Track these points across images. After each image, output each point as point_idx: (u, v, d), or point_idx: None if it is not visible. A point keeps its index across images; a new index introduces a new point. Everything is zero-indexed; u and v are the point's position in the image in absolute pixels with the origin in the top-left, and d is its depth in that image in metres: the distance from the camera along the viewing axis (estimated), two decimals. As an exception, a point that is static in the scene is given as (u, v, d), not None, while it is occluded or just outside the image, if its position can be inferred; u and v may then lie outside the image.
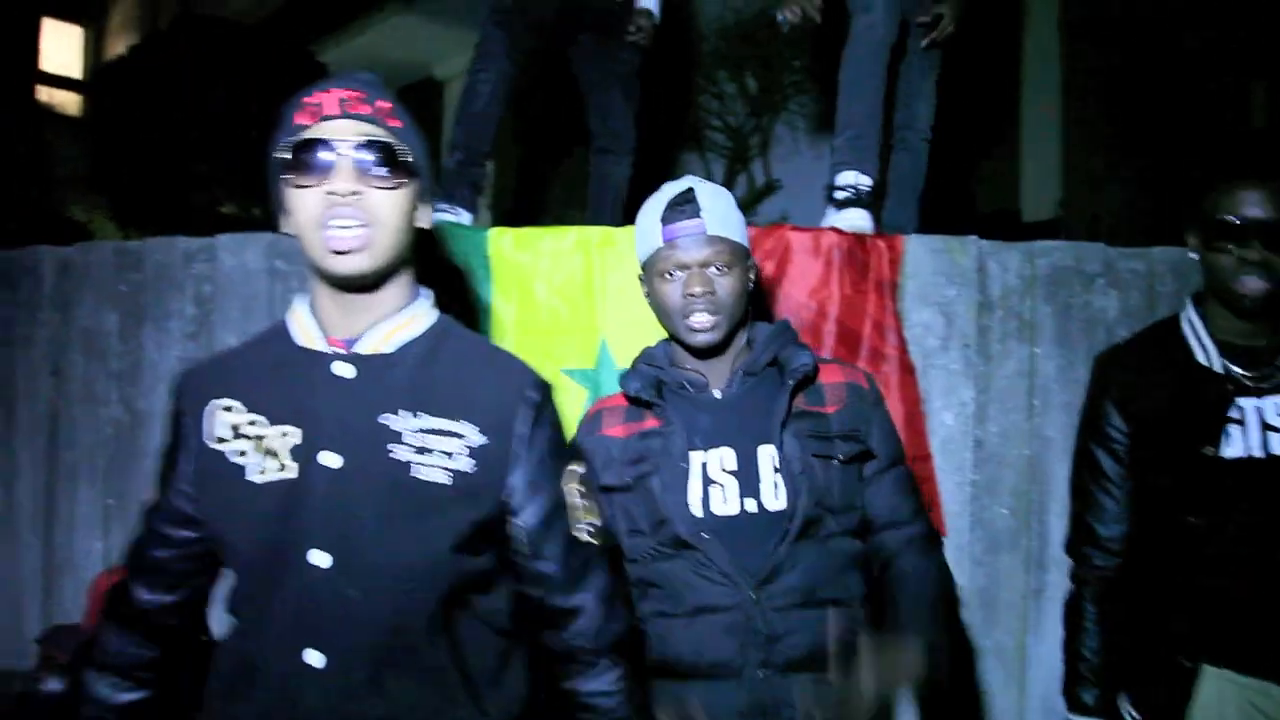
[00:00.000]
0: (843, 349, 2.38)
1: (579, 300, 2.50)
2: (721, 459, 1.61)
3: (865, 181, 2.73)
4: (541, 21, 3.07)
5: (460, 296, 2.55)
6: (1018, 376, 2.47)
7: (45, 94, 15.34)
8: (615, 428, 1.70)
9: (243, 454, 1.25)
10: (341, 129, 1.23)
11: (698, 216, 1.63)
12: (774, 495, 1.58)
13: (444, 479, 1.23)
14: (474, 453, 1.25)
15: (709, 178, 6.47)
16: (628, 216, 3.26)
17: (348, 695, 1.19)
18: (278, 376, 1.29)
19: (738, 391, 1.66)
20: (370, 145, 1.23)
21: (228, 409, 1.28)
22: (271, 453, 1.24)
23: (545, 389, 1.34)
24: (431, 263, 2.57)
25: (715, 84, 6.66)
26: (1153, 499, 1.78)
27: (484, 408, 1.28)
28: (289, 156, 1.23)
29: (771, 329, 1.74)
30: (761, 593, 1.55)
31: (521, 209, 6.40)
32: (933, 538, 1.74)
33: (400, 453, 1.23)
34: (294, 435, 1.24)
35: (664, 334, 1.75)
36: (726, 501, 1.59)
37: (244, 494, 1.23)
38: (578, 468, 1.38)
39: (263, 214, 7.16)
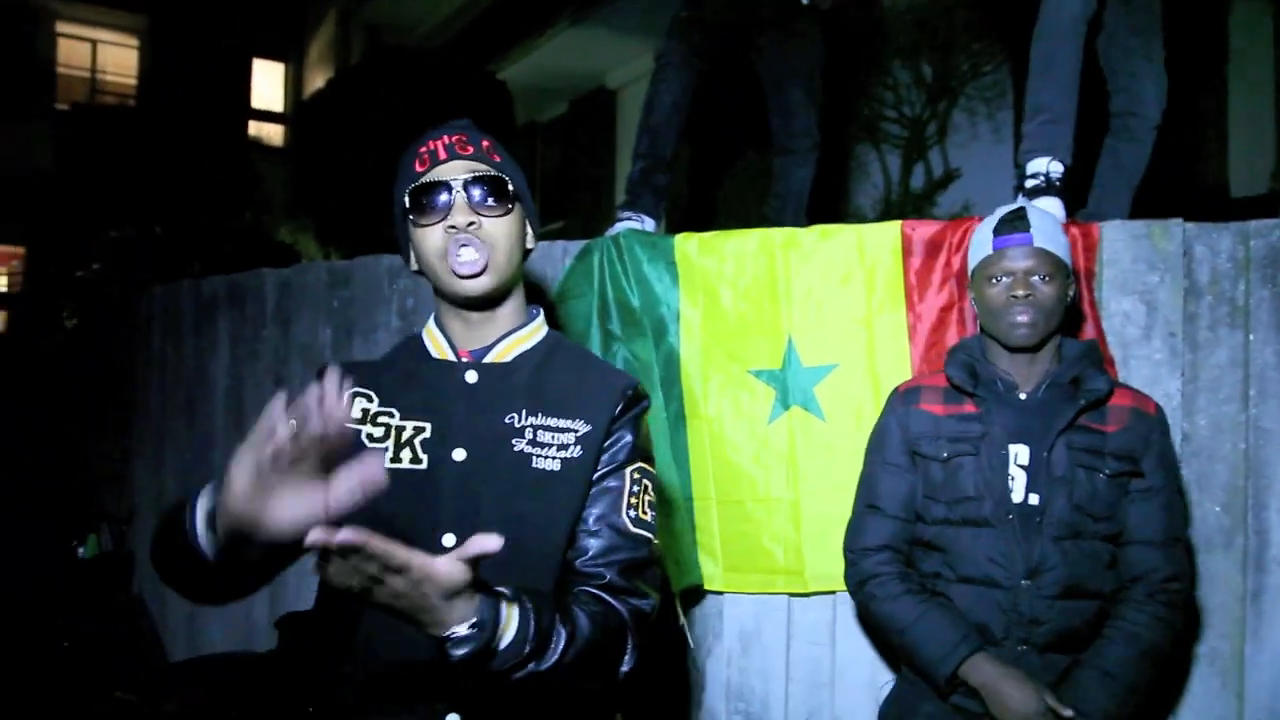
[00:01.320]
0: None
1: (764, 302, 2.52)
2: (1018, 454, 1.83)
3: (1058, 168, 2.61)
4: (719, 28, 3.12)
5: (648, 301, 2.62)
6: (1231, 366, 2.32)
7: (254, 127, 16.69)
8: (935, 405, 1.93)
9: (375, 439, 1.39)
10: (453, 169, 1.41)
11: (1027, 231, 1.87)
12: (1038, 493, 1.80)
13: (556, 466, 1.38)
14: (579, 440, 1.41)
15: (885, 170, 6.37)
16: (810, 216, 3.27)
17: None
18: (412, 382, 1.45)
19: (1042, 398, 1.87)
20: (479, 180, 1.40)
21: (366, 397, 1.43)
22: (406, 444, 1.38)
23: (642, 393, 1.50)
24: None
25: (889, 74, 6.53)
26: None
27: (588, 403, 1.44)
28: (410, 201, 1.41)
29: (1081, 347, 1.94)
30: (1031, 580, 1.77)
31: (696, 213, 6.47)
32: (1177, 583, 1.83)
33: (519, 445, 1.39)
34: (425, 430, 1.39)
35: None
36: (1016, 493, 1.81)
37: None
38: (650, 468, 1.48)
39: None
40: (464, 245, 1.37)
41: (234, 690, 2.81)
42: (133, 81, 16.02)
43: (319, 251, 8.44)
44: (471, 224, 1.38)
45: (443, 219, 1.39)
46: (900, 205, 6.23)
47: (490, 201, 1.40)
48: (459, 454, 1.38)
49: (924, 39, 6.39)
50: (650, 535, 1.44)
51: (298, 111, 14.02)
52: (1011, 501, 1.81)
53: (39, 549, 4.14)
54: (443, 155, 1.42)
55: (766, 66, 3.25)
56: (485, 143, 1.46)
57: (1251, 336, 2.31)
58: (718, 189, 6.63)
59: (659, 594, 1.46)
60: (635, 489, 1.44)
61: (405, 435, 1.40)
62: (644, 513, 1.44)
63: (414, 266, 1.48)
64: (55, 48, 15.46)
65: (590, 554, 1.39)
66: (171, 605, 4.04)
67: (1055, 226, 1.93)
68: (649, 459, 1.50)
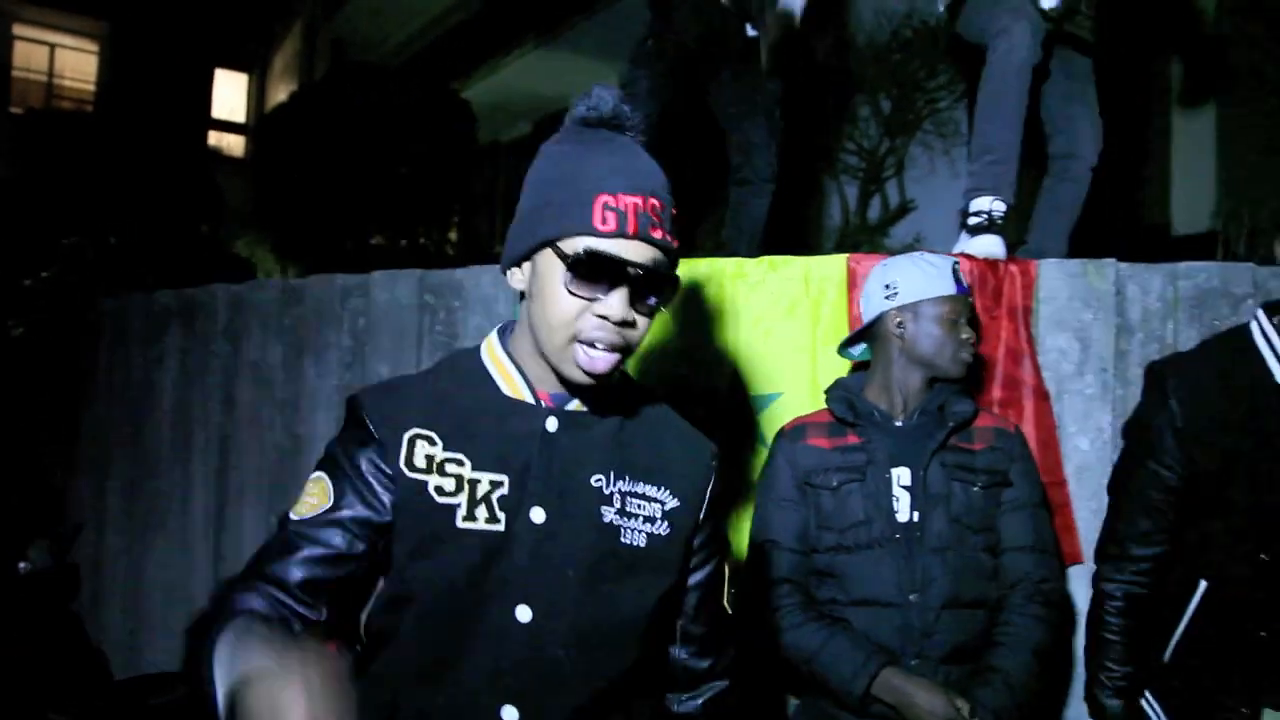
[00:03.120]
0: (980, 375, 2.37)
1: (713, 329, 2.56)
2: (900, 476, 1.95)
3: (1000, 207, 2.70)
4: (682, 59, 3.15)
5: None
6: (1160, 402, 2.39)
7: (215, 137, 16.55)
8: (821, 439, 2.04)
9: (448, 493, 1.20)
10: (638, 251, 1.15)
11: (964, 283, 2.08)
12: (919, 511, 1.92)
13: (643, 542, 1.24)
14: (666, 515, 1.27)
15: (843, 200, 6.45)
16: (770, 243, 3.31)
17: None
18: (482, 422, 1.24)
19: (915, 423, 2.01)
20: (655, 278, 1.17)
21: (428, 440, 1.22)
22: (482, 500, 1.20)
23: (720, 456, 1.37)
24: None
25: (850, 108, 6.64)
26: (1214, 532, 1.72)
27: (676, 473, 1.30)
28: (576, 258, 1.14)
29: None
30: (919, 594, 1.87)
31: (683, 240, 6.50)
32: (1049, 583, 1.94)
33: (609, 515, 1.23)
34: (503, 486, 1.21)
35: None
36: (901, 513, 1.93)
37: (448, 536, 1.19)
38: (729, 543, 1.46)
39: (409, 246, 7.53)
40: (606, 341, 1.16)
41: (174, 711, 2.78)
42: (91, 87, 15.83)
43: (276, 265, 8.37)
44: (625, 323, 1.16)
45: (597, 299, 1.15)
46: (855, 235, 6.32)
47: (652, 301, 1.18)
48: (538, 515, 1.20)
49: (883, 74, 6.50)
50: (733, 605, 1.43)
51: (259, 123, 13.95)
52: (897, 521, 1.92)
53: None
54: (632, 228, 1.14)
55: (726, 99, 3.28)
56: (674, 213, 1.21)
57: (1180, 374, 2.38)
58: (690, 218, 6.68)
59: None
60: (728, 570, 1.40)
61: (481, 491, 1.20)
62: (731, 586, 1.41)
63: (519, 286, 1.24)
64: (11, 50, 15.24)
65: (700, 649, 1.37)
66: (111, 623, 3.98)
67: None
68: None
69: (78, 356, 4.43)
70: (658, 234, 1.16)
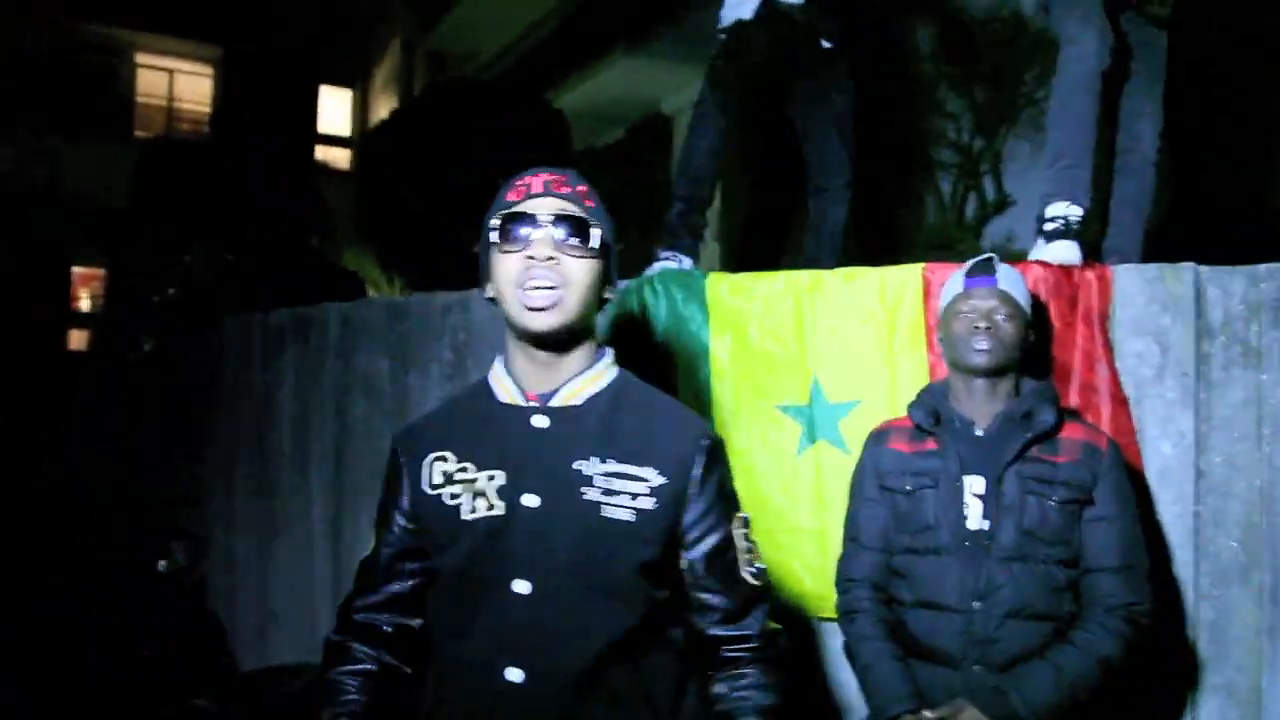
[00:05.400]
0: (1055, 382, 2.40)
1: (790, 341, 2.66)
2: (973, 485, 1.99)
3: (1076, 212, 2.72)
4: (754, 74, 3.26)
5: (681, 339, 2.78)
6: (1245, 405, 2.39)
7: (321, 152, 17.21)
8: (902, 444, 2.11)
9: (455, 496, 1.44)
10: (544, 204, 1.43)
11: (993, 275, 2.09)
12: (990, 519, 1.96)
13: (628, 516, 1.40)
14: (654, 492, 1.42)
15: (938, 197, 6.40)
16: (862, 245, 3.38)
17: (544, 711, 1.37)
18: (484, 429, 1.48)
19: (995, 432, 2.03)
20: (566, 219, 1.42)
21: (442, 459, 1.48)
22: (481, 494, 1.42)
23: (716, 438, 1.52)
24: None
25: (940, 102, 6.57)
26: None
27: (663, 452, 1.45)
28: (498, 224, 1.43)
29: (1036, 385, 2.11)
30: (982, 601, 1.92)
31: (752, 246, 6.57)
32: (1138, 605, 1.94)
33: (590, 494, 1.40)
34: (499, 478, 1.43)
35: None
36: (972, 520, 1.97)
37: (458, 528, 1.43)
38: (744, 514, 1.54)
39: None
40: (539, 277, 1.38)
41: (299, 698, 3.01)
42: (207, 109, 16.63)
43: (382, 276, 8.70)
44: (551, 258, 1.39)
45: (524, 248, 1.40)
46: (949, 234, 6.26)
47: (574, 241, 1.41)
48: (531, 500, 1.40)
49: (975, 67, 6.42)
50: (766, 581, 1.53)
51: (362, 140, 14.46)
52: (966, 529, 1.97)
53: (121, 560, 4.42)
54: (537, 189, 1.44)
55: (800, 111, 3.37)
56: (582, 188, 1.48)
57: (1265, 376, 2.38)
58: (777, 227, 6.73)
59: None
60: (745, 543, 1.50)
61: (480, 485, 1.43)
62: (758, 560, 1.51)
63: (489, 293, 1.49)
64: (135, 79, 16.15)
65: (722, 617, 1.48)
66: (242, 620, 4.28)
67: (1019, 278, 2.16)
68: (735, 502, 1.53)
69: (204, 372, 4.76)
70: (564, 190, 1.45)
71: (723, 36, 3.26)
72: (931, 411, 2.09)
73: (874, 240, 5.40)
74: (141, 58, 16.22)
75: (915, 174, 6.56)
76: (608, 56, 9.36)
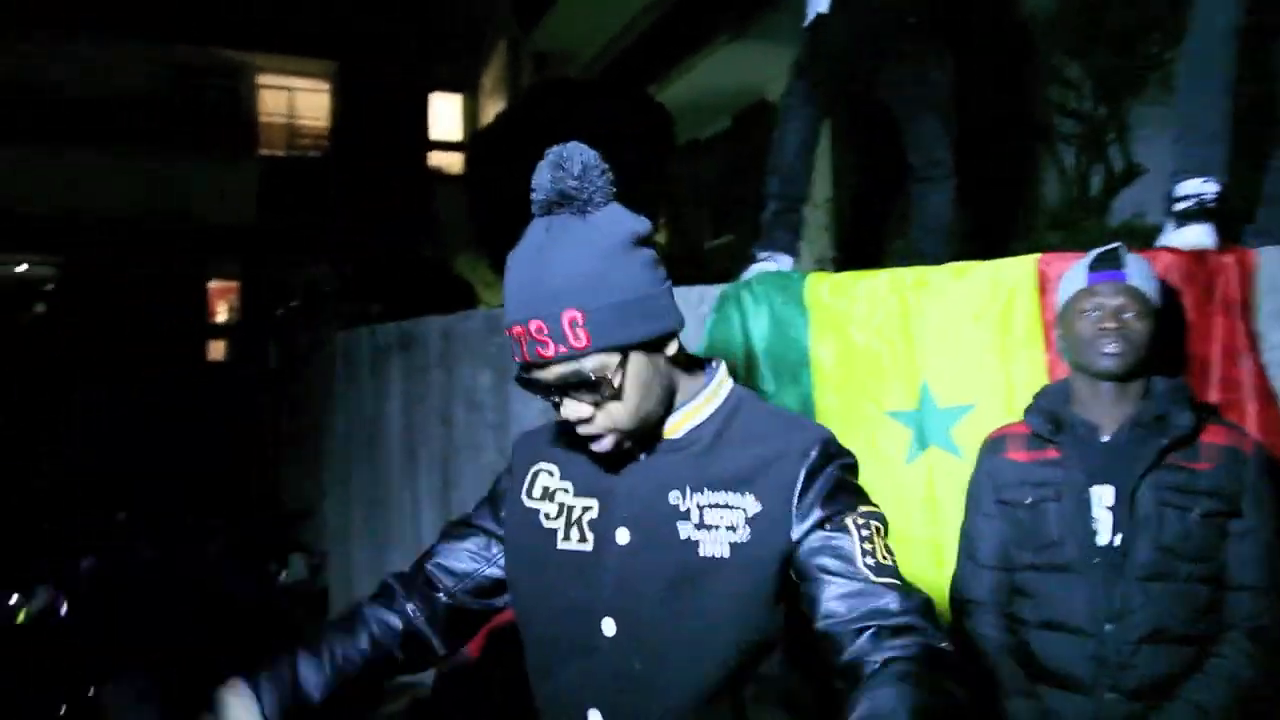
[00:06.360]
0: (1190, 379, 2.19)
1: (897, 342, 2.51)
2: (1102, 496, 1.81)
3: (1211, 189, 2.46)
4: (841, 60, 3.12)
5: (782, 344, 2.65)
6: None
7: (434, 157, 17.63)
8: (1019, 453, 1.94)
9: (550, 518, 1.37)
10: (545, 375, 1.25)
11: (1120, 269, 1.89)
12: (1122, 534, 1.78)
13: (724, 553, 1.26)
14: (750, 521, 1.27)
15: (1060, 171, 6.06)
16: (980, 228, 3.19)
17: None
18: (586, 453, 1.36)
19: (1125, 438, 1.84)
20: (570, 386, 1.24)
21: (549, 472, 1.42)
22: (575, 523, 1.35)
23: (826, 443, 1.33)
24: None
25: (1058, 69, 6.21)
26: None
27: (764, 476, 1.30)
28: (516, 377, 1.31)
29: (1169, 384, 1.90)
30: (1116, 624, 1.75)
31: (862, 237, 6.38)
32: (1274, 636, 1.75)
33: (685, 530, 1.28)
34: (594, 509, 1.35)
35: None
36: (1102, 535, 1.80)
37: (552, 559, 1.35)
38: (875, 509, 1.33)
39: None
40: (585, 427, 1.28)
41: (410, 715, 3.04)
42: (325, 124, 17.24)
43: (497, 280, 8.81)
44: (584, 420, 1.27)
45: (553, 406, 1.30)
46: (1074, 212, 5.92)
47: (593, 396, 1.25)
48: (622, 536, 1.31)
49: (1094, 29, 6.05)
50: (897, 580, 1.25)
51: (472, 144, 14.72)
52: (1096, 545, 1.80)
53: (244, 569, 4.57)
54: (524, 358, 1.25)
55: (895, 98, 3.21)
56: (569, 316, 1.20)
57: None
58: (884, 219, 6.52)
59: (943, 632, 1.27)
60: (865, 533, 1.27)
61: (575, 514, 1.36)
62: (883, 558, 1.26)
63: None
64: (256, 99, 16.86)
65: (837, 616, 1.23)
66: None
67: (1149, 269, 1.95)
68: (869, 502, 1.32)
69: (319, 386, 4.89)
70: (548, 353, 1.22)
71: (807, 34, 3.14)
72: (1051, 417, 1.91)
73: (989, 226, 5.14)
74: (263, 79, 16.93)
75: (1033, 149, 6.22)
76: (709, 45, 9.22)
